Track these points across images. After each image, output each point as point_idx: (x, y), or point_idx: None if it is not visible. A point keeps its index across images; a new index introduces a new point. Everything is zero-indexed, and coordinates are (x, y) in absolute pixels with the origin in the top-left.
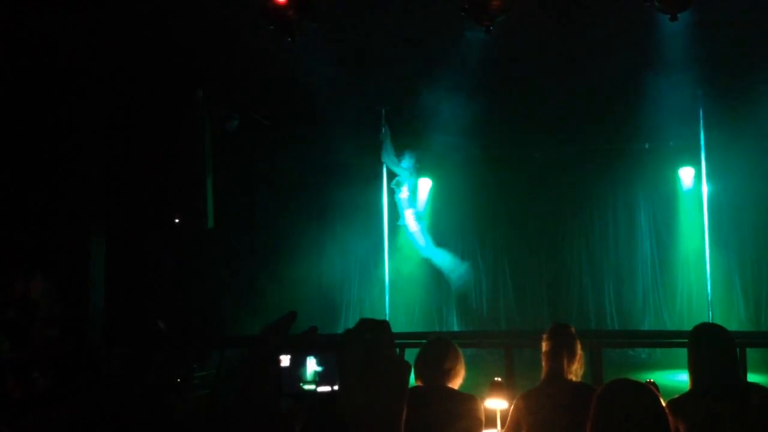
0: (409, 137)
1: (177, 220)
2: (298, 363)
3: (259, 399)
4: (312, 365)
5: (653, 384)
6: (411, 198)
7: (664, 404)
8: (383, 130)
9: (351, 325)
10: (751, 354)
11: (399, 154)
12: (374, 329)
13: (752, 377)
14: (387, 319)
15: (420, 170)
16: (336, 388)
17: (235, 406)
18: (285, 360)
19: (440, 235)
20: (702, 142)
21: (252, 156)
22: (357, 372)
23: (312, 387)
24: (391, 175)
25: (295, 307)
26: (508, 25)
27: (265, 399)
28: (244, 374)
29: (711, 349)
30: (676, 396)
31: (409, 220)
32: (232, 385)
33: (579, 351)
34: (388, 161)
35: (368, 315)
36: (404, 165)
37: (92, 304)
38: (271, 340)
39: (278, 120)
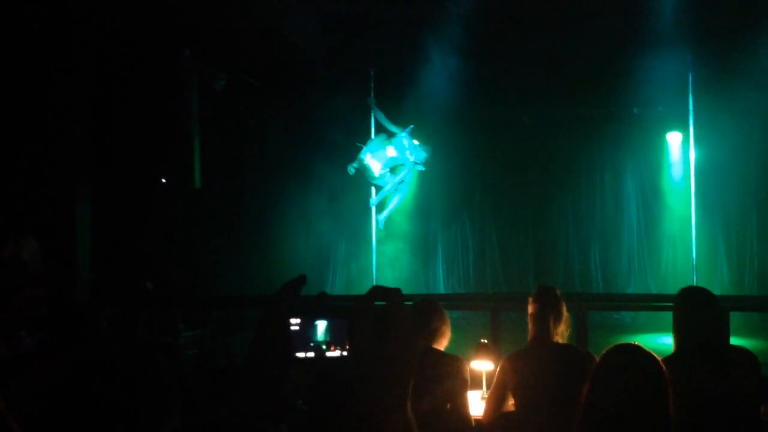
0: (397, 101)
1: (164, 180)
2: (308, 326)
3: (270, 363)
4: (322, 327)
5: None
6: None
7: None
8: (371, 97)
9: (338, 286)
10: (734, 317)
11: (398, 128)
12: (386, 297)
13: (734, 341)
14: (374, 282)
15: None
16: (345, 353)
17: (246, 370)
18: (295, 323)
19: (426, 198)
20: (690, 107)
21: (240, 117)
22: (368, 340)
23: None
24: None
25: (283, 268)
26: None
27: (275, 363)
28: (255, 338)
29: (696, 311)
30: (660, 358)
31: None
32: (219, 343)
33: (565, 313)
34: (383, 121)
35: (355, 277)
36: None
37: (79, 263)
38: (283, 304)
39: (267, 80)
